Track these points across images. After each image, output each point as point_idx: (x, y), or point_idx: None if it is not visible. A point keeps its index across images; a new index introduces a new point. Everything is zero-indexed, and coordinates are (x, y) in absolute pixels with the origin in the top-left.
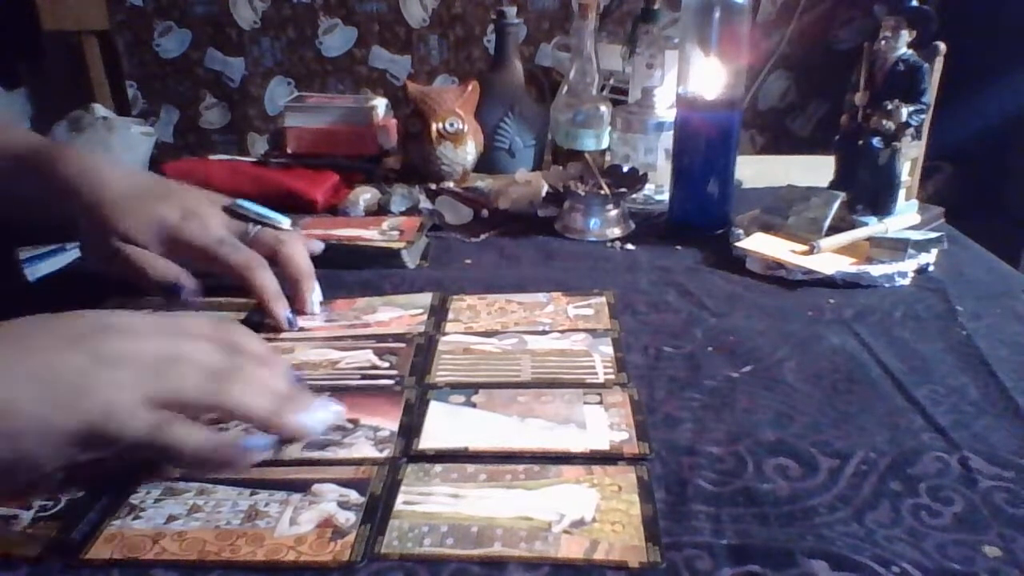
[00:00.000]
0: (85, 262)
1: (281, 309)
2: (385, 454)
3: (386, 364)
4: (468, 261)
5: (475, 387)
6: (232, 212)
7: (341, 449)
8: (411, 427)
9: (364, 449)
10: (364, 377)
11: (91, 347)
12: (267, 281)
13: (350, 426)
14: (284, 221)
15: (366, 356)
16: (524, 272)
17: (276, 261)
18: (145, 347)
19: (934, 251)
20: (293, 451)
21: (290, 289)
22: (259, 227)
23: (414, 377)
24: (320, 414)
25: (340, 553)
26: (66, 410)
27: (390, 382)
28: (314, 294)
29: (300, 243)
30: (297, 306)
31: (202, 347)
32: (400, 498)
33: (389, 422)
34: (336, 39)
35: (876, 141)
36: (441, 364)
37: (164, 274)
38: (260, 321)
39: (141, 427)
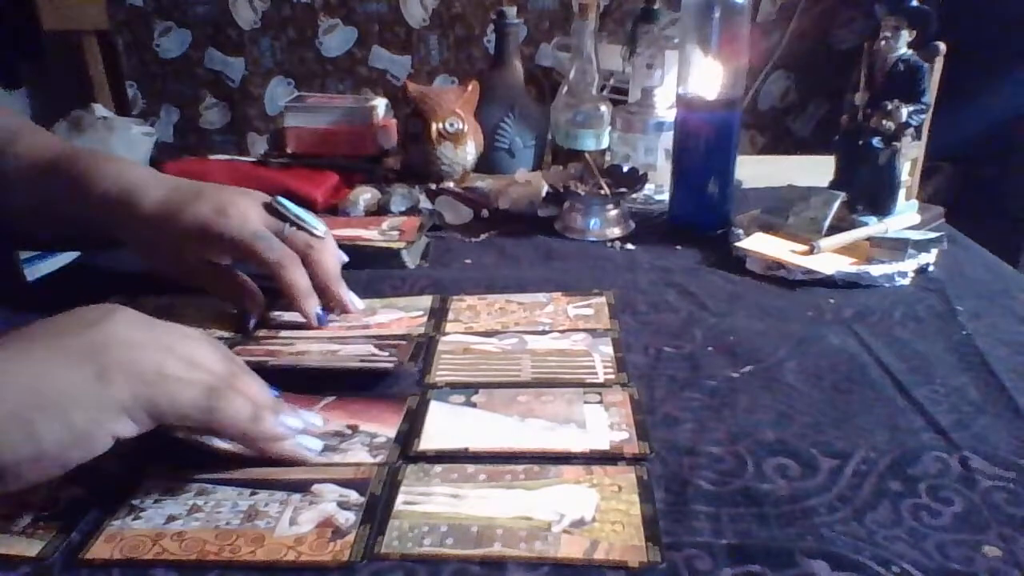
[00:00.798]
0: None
1: (311, 306)
2: (378, 460)
3: (386, 353)
4: (468, 261)
5: (475, 387)
6: (271, 209)
7: (336, 454)
8: (409, 434)
9: (360, 455)
10: (364, 361)
11: (116, 329)
12: (299, 278)
13: (348, 432)
14: (320, 227)
15: (367, 348)
16: (524, 272)
17: (305, 264)
18: (163, 338)
19: (934, 251)
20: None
21: (319, 294)
22: (294, 228)
23: (414, 362)
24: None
25: (340, 553)
26: (118, 379)
27: (389, 365)
28: (350, 294)
29: (330, 251)
30: (336, 306)
31: (208, 352)
32: (400, 498)
33: (387, 429)
34: (336, 39)
35: (876, 141)
36: (441, 364)
37: (247, 308)
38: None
39: (195, 391)
